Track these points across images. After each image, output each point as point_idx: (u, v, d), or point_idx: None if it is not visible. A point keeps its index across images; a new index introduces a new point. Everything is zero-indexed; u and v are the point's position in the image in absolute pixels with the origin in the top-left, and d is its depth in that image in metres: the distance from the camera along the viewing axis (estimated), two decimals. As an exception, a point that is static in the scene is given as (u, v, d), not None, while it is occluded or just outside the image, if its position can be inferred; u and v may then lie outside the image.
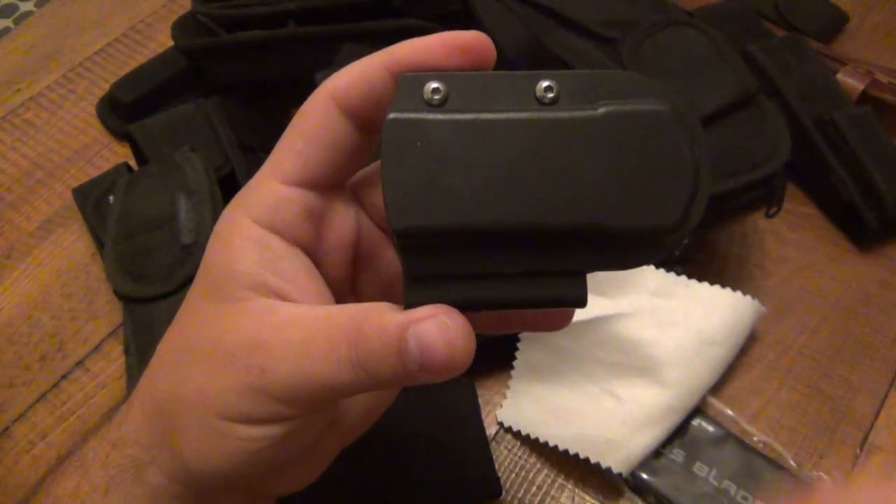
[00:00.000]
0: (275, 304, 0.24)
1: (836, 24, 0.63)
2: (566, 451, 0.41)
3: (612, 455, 0.41)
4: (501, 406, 0.45)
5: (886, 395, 0.45)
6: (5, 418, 0.46)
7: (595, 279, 0.42)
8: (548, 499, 0.42)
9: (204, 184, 0.46)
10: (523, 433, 0.43)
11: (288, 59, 0.55)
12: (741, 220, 0.52)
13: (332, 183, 0.26)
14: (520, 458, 0.43)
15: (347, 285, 0.28)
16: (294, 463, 0.27)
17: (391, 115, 0.22)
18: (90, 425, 0.46)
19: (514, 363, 0.45)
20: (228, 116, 0.53)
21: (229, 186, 0.48)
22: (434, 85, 0.22)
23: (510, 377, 0.45)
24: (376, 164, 0.27)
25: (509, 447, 0.44)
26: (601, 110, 0.22)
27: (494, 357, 0.45)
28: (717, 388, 0.45)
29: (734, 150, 0.44)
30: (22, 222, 0.55)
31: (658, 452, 0.42)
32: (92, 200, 0.51)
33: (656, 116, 0.22)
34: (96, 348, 0.49)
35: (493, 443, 0.44)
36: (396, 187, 0.22)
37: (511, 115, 0.22)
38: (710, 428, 0.43)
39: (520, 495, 0.42)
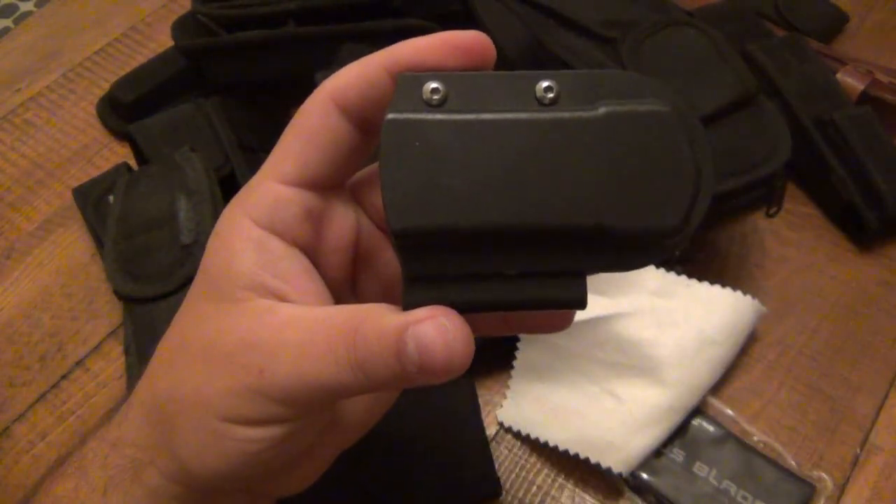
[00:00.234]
0: (274, 305, 0.24)
1: (836, 24, 0.63)
2: (566, 451, 0.41)
3: (612, 455, 0.41)
4: (501, 406, 0.45)
5: (886, 395, 0.45)
6: (5, 418, 0.46)
7: (595, 279, 0.42)
8: (548, 499, 0.42)
9: (204, 184, 0.46)
10: (523, 433, 0.43)
11: (288, 59, 0.55)
12: (741, 220, 0.52)
13: (331, 183, 0.26)
14: (520, 458, 0.43)
15: (347, 286, 0.28)
16: (293, 464, 0.27)
17: (390, 116, 0.22)
18: (90, 425, 0.46)
19: (514, 363, 0.45)
20: (228, 116, 0.53)
21: (229, 186, 0.48)
22: (433, 85, 0.22)
23: (510, 377, 0.45)
24: (376, 165, 0.27)
25: (509, 447, 0.44)
26: (601, 111, 0.22)
27: (494, 357, 0.45)
28: (717, 388, 0.45)
29: (734, 150, 0.44)
30: (22, 222, 0.55)
31: (658, 452, 0.42)
32: (92, 200, 0.51)
33: (657, 117, 0.22)
34: (96, 348, 0.49)
35: (493, 443, 0.44)
36: (395, 187, 0.22)
37: (511, 115, 0.22)
38: (711, 428, 0.43)
39: (520, 495, 0.42)
